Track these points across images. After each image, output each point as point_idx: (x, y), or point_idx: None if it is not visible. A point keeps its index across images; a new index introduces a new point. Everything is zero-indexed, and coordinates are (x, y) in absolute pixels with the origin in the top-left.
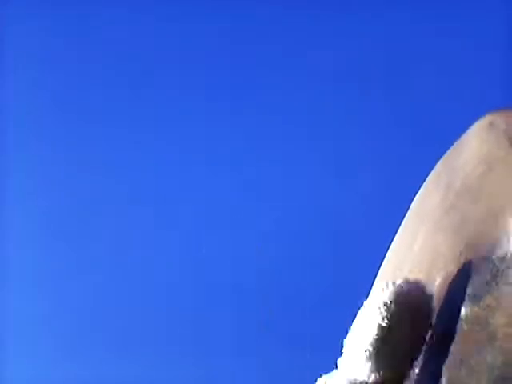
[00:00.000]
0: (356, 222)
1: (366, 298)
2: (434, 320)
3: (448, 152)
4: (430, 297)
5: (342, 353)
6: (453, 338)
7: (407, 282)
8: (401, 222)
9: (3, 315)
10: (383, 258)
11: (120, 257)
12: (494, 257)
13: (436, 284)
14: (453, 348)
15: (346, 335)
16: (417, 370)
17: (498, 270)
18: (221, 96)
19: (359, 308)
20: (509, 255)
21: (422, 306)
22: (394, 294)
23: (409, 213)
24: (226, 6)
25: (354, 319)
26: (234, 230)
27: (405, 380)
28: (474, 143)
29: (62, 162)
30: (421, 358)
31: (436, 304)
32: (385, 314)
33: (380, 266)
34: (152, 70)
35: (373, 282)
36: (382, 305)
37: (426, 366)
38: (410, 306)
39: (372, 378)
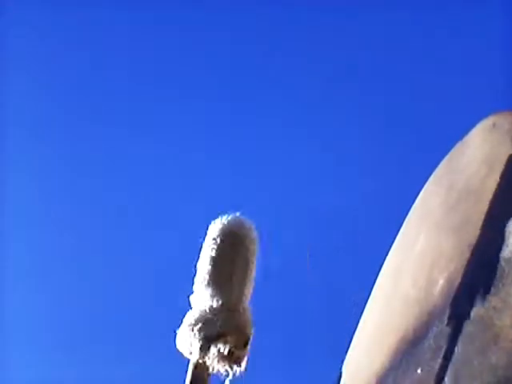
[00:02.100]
0: (357, 222)
1: (367, 298)
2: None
3: (450, 152)
4: (251, 227)
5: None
6: (457, 338)
7: (231, 218)
8: (403, 222)
9: (3, 315)
10: (384, 259)
11: (121, 256)
12: (499, 258)
13: (438, 285)
14: (456, 349)
15: (347, 335)
16: (419, 371)
17: (503, 271)
18: (221, 96)
19: (360, 308)
20: None
21: (244, 235)
22: (220, 228)
23: (411, 213)
24: (226, 6)
25: (355, 320)
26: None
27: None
28: (477, 144)
29: (62, 162)
30: (424, 359)
31: (440, 305)
32: (213, 246)
33: (381, 266)
34: (152, 70)
35: (374, 282)
36: (211, 239)
37: (430, 366)
38: (233, 236)
39: (214, 301)
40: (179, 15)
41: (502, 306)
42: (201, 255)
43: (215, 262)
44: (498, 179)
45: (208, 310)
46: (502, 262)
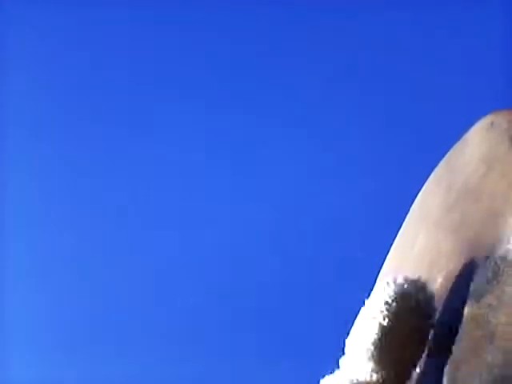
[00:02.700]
0: (357, 221)
1: (368, 297)
2: (435, 320)
3: (449, 152)
4: (431, 296)
5: (343, 353)
6: (454, 337)
7: (408, 280)
8: (402, 221)
9: (3, 315)
10: (385, 258)
11: (121, 256)
12: (495, 256)
13: (437, 283)
14: (454, 347)
15: (348, 335)
16: (418, 370)
17: (499, 270)
18: (221, 96)
19: (361, 308)
20: (510, 255)
21: (423, 306)
22: (395, 292)
23: (410, 213)
24: (225, 6)
25: (355, 319)
26: (233, 230)
27: (407, 381)
28: (476, 143)
29: (62, 162)
30: (422, 357)
31: (437, 303)
32: (386, 313)
33: (381, 266)
34: (152, 70)
35: (374, 282)
36: (383, 303)
37: (427, 365)
38: (411, 305)
39: (374, 377)
40: (179, 15)
41: (497, 304)
42: (363, 314)
43: (384, 333)
44: (498, 178)
45: None
46: (498, 261)
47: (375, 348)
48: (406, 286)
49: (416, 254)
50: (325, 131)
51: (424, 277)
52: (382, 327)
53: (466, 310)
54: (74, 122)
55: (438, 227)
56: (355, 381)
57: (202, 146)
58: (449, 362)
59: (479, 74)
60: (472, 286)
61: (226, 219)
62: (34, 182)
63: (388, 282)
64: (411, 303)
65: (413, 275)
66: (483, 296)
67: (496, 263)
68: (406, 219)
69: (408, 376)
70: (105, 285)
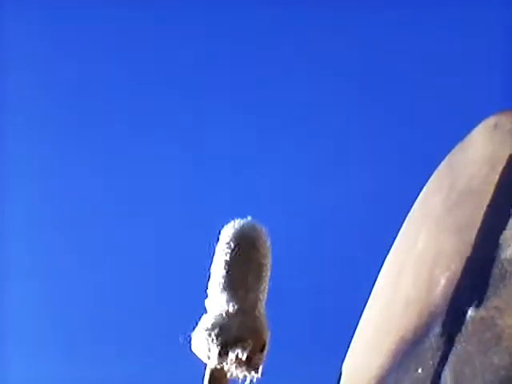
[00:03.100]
0: (357, 221)
1: (368, 297)
2: (269, 252)
3: (452, 152)
4: (262, 230)
5: (344, 355)
6: (458, 338)
7: (242, 221)
8: (403, 222)
9: (3, 315)
10: (385, 258)
11: (121, 256)
12: (501, 258)
13: (440, 284)
14: (457, 349)
15: (347, 335)
16: (419, 371)
17: (506, 272)
18: (220, 96)
19: (361, 308)
20: None
21: (256, 239)
22: (232, 233)
23: (411, 213)
24: (226, 6)
25: (355, 319)
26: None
27: (256, 309)
28: (479, 144)
29: (62, 162)
30: (425, 359)
31: (441, 304)
32: (227, 250)
33: (381, 266)
34: (152, 70)
35: (374, 283)
36: (224, 244)
37: (430, 366)
38: (245, 240)
39: (230, 306)
40: (179, 15)
41: (503, 306)
42: (214, 259)
43: (229, 266)
44: (500, 179)
45: (224, 315)
46: (504, 263)
47: (224, 281)
48: (238, 226)
49: (417, 254)
50: (325, 131)
51: (426, 278)
52: (225, 262)
53: (473, 313)
54: (74, 122)
55: (440, 227)
56: (218, 314)
57: (203, 146)
58: (452, 363)
59: (481, 74)
60: (477, 289)
61: (226, 218)
62: (34, 181)
63: (227, 226)
64: (246, 240)
65: (414, 276)
66: (489, 298)
67: (503, 265)
68: (407, 219)
69: (255, 304)
70: (105, 285)
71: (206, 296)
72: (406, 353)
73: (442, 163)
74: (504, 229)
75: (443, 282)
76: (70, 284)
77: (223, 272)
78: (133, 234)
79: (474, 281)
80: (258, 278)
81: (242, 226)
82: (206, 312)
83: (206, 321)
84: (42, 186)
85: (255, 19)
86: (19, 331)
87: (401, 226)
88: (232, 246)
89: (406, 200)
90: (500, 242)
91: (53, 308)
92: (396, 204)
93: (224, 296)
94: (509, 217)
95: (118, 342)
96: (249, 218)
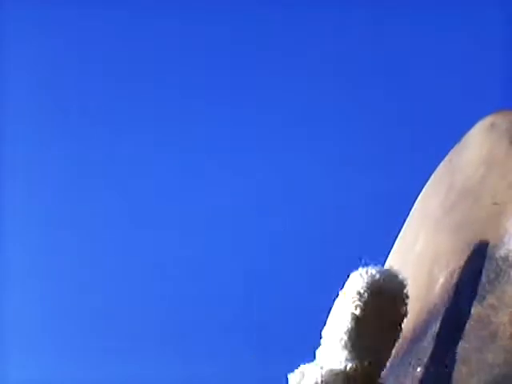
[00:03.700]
0: (358, 221)
1: None
2: (407, 308)
3: (450, 153)
4: (404, 285)
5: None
6: (455, 336)
7: (380, 269)
8: (403, 222)
9: (3, 315)
10: (385, 258)
11: (121, 257)
12: (496, 257)
13: (438, 284)
14: (455, 347)
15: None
16: (419, 369)
17: (500, 270)
18: (220, 96)
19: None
20: (511, 255)
21: (396, 293)
22: (367, 283)
23: (411, 213)
24: (225, 6)
25: None
26: (232, 230)
27: (381, 371)
28: (476, 144)
29: (62, 162)
30: (424, 357)
31: (439, 303)
32: (358, 303)
33: (382, 266)
34: (152, 70)
35: None
36: (355, 294)
37: (429, 365)
38: (383, 294)
39: (348, 366)
40: (179, 15)
41: (498, 304)
42: (337, 306)
43: (358, 322)
44: (498, 179)
45: (338, 374)
46: (499, 261)
47: (348, 337)
48: (377, 276)
49: (416, 254)
50: (325, 132)
51: (425, 277)
52: (354, 316)
53: (469, 311)
54: (74, 122)
55: (438, 228)
56: (330, 370)
57: (203, 146)
58: (450, 361)
59: (479, 74)
60: (474, 287)
61: (225, 218)
62: (34, 181)
63: (361, 274)
64: (383, 293)
65: (413, 275)
66: (485, 297)
67: (497, 264)
68: (407, 220)
69: (382, 365)
70: (105, 285)
71: (319, 344)
72: (406, 351)
73: (441, 163)
74: (500, 228)
75: (442, 280)
76: (70, 284)
77: (348, 327)
78: (132, 234)
79: (471, 279)
80: (389, 339)
81: (382, 276)
82: (316, 360)
83: (316, 373)
84: (42, 186)
85: (255, 20)
86: (19, 331)
87: (401, 226)
88: (365, 297)
89: (406, 200)
90: (496, 241)
91: (53, 308)
92: (396, 204)
93: (345, 354)
94: (506, 216)
95: (118, 342)
96: (387, 268)
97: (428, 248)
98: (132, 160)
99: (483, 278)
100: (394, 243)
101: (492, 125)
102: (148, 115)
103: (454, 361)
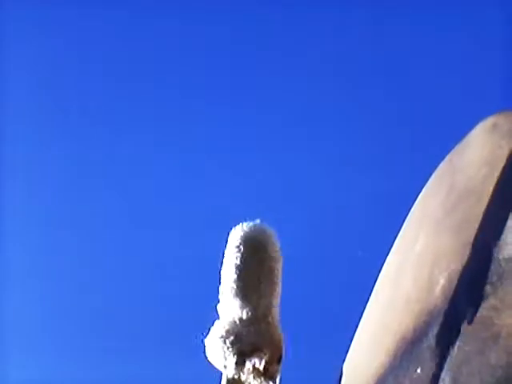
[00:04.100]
0: (358, 221)
1: (368, 298)
2: (280, 256)
3: (451, 153)
4: (271, 235)
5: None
6: (456, 338)
7: (251, 225)
8: (403, 222)
9: (3, 315)
10: (385, 258)
11: (121, 257)
12: (499, 258)
13: (439, 285)
14: (456, 348)
15: (348, 335)
16: (419, 371)
17: (503, 271)
18: (220, 96)
19: (361, 308)
20: None
21: (266, 243)
22: (241, 236)
23: (411, 213)
24: (225, 6)
25: (355, 319)
26: (232, 228)
27: (270, 316)
28: (478, 144)
29: (62, 162)
30: (424, 358)
31: (440, 304)
32: (237, 254)
33: (381, 266)
34: (152, 70)
35: (374, 283)
36: (234, 247)
37: (429, 365)
38: (255, 245)
39: (244, 312)
40: (179, 15)
41: (501, 306)
42: (224, 262)
43: (240, 270)
44: (498, 179)
45: (238, 322)
46: (502, 262)
47: (236, 286)
48: (248, 230)
49: (416, 255)
50: (325, 132)
51: (425, 278)
52: (236, 266)
53: (471, 312)
54: (74, 122)
55: (438, 228)
56: (231, 321)
57: (202, 147)
58: (451, 363)
59: (480, 74)
60: (476, 288)
61: (225, 218)
62: (34, 181)
63: (236, 228)
64: (257, 243)
65: (414, 276)
66: (487, 298)
67: (500, 265)
68: (407, 219)
69: (268, 313)
70: (105, 285)
71: (218, 301)
72: (406, 352)
73: (442, 164)
74: (502, 229)
75: (442, 281)
76: (70, 284)
77: (234, 277)
78: (132, 235)
79: (472, 280)
80: (271, 282)
81: (252, 228)
82: (218, 318)
83: (220, 328)
84: (42, 186)
85: (255, 19)
86: (19, 331)
87: (401, 226)
88: (242, 249)
89: (406, 200)
90: (498, 241)
91: (53, 308)
92: (396, 204)
93: (237, 302)
94: (507, 217)
95: (118, 342)
96: (257, 221)
97: (428, 249)
98: (132, 160)
99: (485, 279)
100: (393, 243)
101: (494, 125)
102: (148, 115)
103: (455, 362)
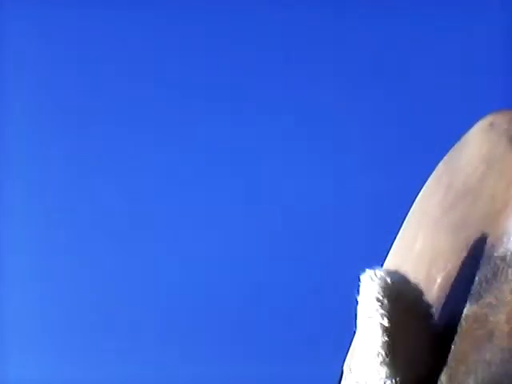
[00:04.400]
0: (357, 221)
1: None
2: (433, 317)
3: (449, 152)
4: (417, 288)
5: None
6: (452, 336)
7: (388, 271)
8: (402, 222)
9: (3, 315)
10: (385, 258)
11: (121, 257)
12: (495, 256)
13: (436, 284)
14: (453, 348)
15: (346, 338)
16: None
17: (498, 269)
18: (221, 96)
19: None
20: (509, 254)
21: (416, 300)
22: (382, 287)
23: (410, 213)
24: (225, 6)
25: (355, 319)
26: (232, 230)
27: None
28: (475, 143)
29: (62, 162)
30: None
31: (437, 304)
32: (382, 311)
33: (381, 266)
34: (152, 70)
35: None
36: (375, 301)
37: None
38: (405, 303)
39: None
40: (180, 15)
41: (496, 303)
42: (361, 315)
43: (389, 333)
44: (497, 179)
45: None
46: (497, 260)
47: (386, 351)
48: (389, 280)
49: (415, 254)
50: (324, 131)
51: (423, 277)
52: (384, 328)
53: (467, 311)
54: (74, 122)
55: (437, 227)
56: None
57: (202, 147)
58: (448, 361)
59: (479, 73)
60: (472, 287)
61: (225, 218)
62: (34, 181)
63: (371, 276)
64: (404, 300)
65: (412, 275)
66: (483, 296)
67: (495, 263)
68: (406, 219)
69: (422, 378)
70: (105, 285)
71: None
72: None
73: (440, 163)
74: (499, 227)
75: (439, 280)
76: (70, 284)
77: (382, 340)
78: (133, 234)
79: (468, 279)
80: (421, 348)
81: (393, 280)
82: (350, 372)
83: None
84: (42, 186)
85: (255, 19)
86: (19, 331)
87: (400, 225)
88: (388, 306)
89: (405, 200)
90: (494, 240)
91: (53, 308)
92: (395, 204)
93: (383, 371)
94: (504, 216)
95: (118, 342)
96: (394, 270)
97: (426, 248)
98: (132, 160)
99: (481, 278)
100: (392, 242)
101: (491, 124)
102: (148, 115)
103: (451, 360)
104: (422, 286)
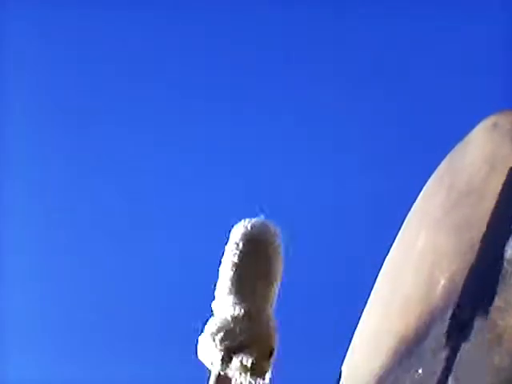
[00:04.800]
0: (357, 221)
1: (368, 297)
2: (281, 254)
3: (451, 152)
4: (275, 232)
5: (345, 353)
6: (458, 339)
7: (255, 221)
8: (403, 221)
9: (3, 315)
10: (384, 259)
11: (121, 257)
12: (502, 258)
13: (440, 285)
14: (458, 350)
15: (347, 335)
16: (420, 371)
17: (506, 272)
18: (221, 96)
19: (361, 308)
20: None
21: (268, 241)
22: (242, 234)
23: (411, 213)
24: (225, 6)
25: (355, 319)
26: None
27: (264, 315)
28: (478, 144)
29: (62, 162)
30: (425, 359)
31: (441, 305)
32: (235, 251)
33: (381, 266)
34: (152, 70)
35: (373, 282)
36: (233, 244)
37: (430, 366)
38: (255, 242)
39: (236, 309)
40: (180, 15)
41: (505, 307)
42: (223, 260)
43: (237, 267)
44: (501, 179)
45: (230, 319)
46: (505, 263)
47: (232, 283)
48: (249, 228)
49: (417, 254)
50: (324, 131)
51: (426, 278)
52: (233, 263)
53: (473, 313)
54: (74, 122)
55: (439, 227)
56: (223, 318)
57: (202, 147)
58: (453, 364)
59: (481, 73)
60: (478, 289)
61: (225, 218)
62: (34, 181)
63: (238, 224)
64: (257, 241)
65: (414, 276)
66: (491, 299)
67: (503, 266)
68: (406, 219)
69: (261, 310)
70: (105, 285)
71: (213, 298)
72: (406, 353)
73: (442, 163)
74: (506, 229)
75: (443, 282)
76: (70, 284)
77: (231, 274)
78: (133, 234)
79: (474, 281)
80: (268, 281)
81: (253, 225)
82: (213, 315)
83: (212, 324)
84: (42, 186)
85: (255, 19)
86: (19, 331)
87: (400, 225)
88: (241, 246)
89: (406, 200)
90: (501, 242)
91: (53, 308)
92: (396, 204)
93: (231, 299)
94: (510, 217)
95: (118, 342)
96: (262, 216)
97: (429, 248)
98: (132, 160)
99: (488, 280)
100: (392, 242)
101: (495, 125)
102: (148, 115)
103: (457, 364)
104: (424, 286)
